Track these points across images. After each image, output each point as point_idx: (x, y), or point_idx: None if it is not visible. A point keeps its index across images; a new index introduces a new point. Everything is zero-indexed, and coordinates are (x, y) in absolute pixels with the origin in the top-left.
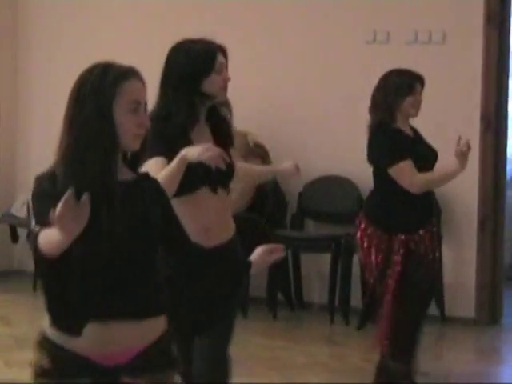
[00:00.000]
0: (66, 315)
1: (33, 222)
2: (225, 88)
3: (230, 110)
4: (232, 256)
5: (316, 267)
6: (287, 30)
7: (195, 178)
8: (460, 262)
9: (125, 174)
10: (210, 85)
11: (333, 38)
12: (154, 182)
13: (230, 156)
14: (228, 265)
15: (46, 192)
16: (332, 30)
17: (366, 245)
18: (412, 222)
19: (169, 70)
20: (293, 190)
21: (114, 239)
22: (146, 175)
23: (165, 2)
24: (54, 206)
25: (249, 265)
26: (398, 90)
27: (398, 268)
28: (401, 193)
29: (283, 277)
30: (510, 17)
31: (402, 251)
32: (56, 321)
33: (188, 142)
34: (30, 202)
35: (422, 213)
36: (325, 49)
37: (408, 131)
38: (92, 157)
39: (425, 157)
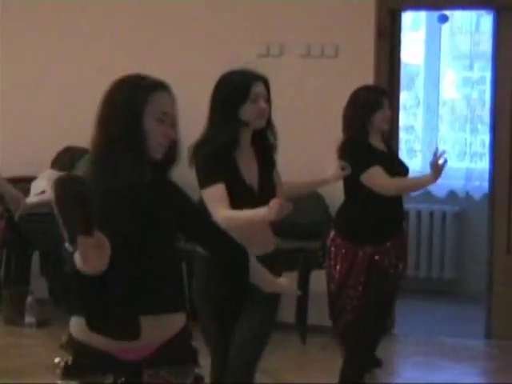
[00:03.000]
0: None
1: (65, 243)
2: (260, 116)
3: (274, 136)
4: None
5: None
6: (179, 42)
7: (240, 202)
8: None
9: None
10: (245, 112)
11: (225, 51)
12: (168, 183)
13: (271, 178)
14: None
15: (74, 200)
16: (225, 42)
17: (332, 255)
18: (379, 234)
19: (213, 98)
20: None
21: (137, 238)
22: (162, 179)
23: None
24: (85, 216)
25: None
26: (366, 105)
27: (361, 279)
28: (370, 205)
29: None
30: (400, 32)
31: (365, 264)
32: (97, 325)
33: (232, 163)
34: (58, 213)
35: (391, 225)
36: (217, 62)
37: (381, 147)
38: (123, 159)
39: (396, 173)
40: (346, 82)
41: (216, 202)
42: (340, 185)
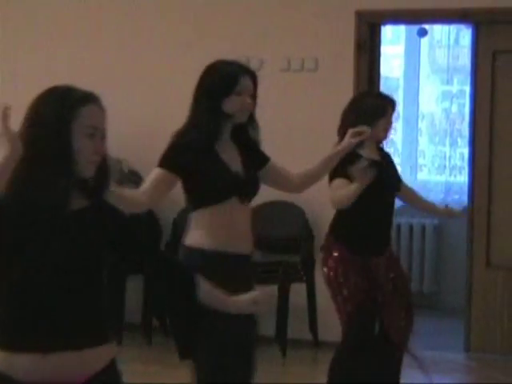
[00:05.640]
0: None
1: None
2: (243, 110)
3: (257, 131)
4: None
5: None
6: (159, 55)
7: (226, 188)
8: None
9: (78, 201)
10: (229, 105)
11: (205, 64)
12: (108, 206)
13: (255, 175)
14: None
15: None
16: (204, 56)
17: (340, 270)
18: (372, 246)
19: (198, 86)
20: (167, 217)
21: (52, 268)
22: (101, 201)
23: None
24: None
25: None
26: (371, 112)
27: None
28: (362, 213)
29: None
30: (379, 45)
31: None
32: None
33: (212, 153)
34: None
35: (382, 237)
36: (197, 75)
37: (374, 156)
38: (49, 180)
39: (381, 184)
40: (326, 96)
41: (148, 182)
42: (318, 197)
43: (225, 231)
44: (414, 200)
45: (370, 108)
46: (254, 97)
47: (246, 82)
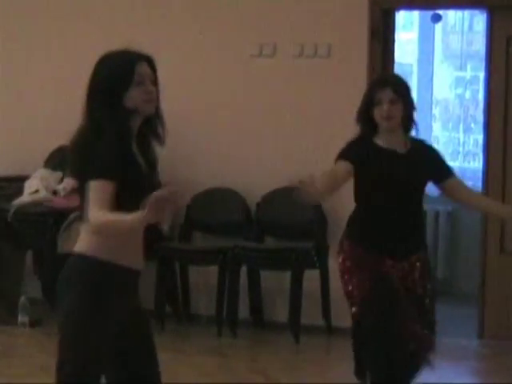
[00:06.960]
0: None
1: None
2: (148, 101)
3: (162, 126)
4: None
5: (204, 279)
6: (172, 42)
7: (142, 195)
8: None
9: None
10: (130, 99)
11: (219, 52)
12: None
13: (155, 174)
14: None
15: None
16: (218, 42)
17: (347, 266)
18: (384, 245)
19: (94, 84)
20: (180, 202)
21: None
22: None
23: None
24: None
25: None
26: (365, 103)
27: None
28: (372, 208)
29: (171, 289)
30: (393, 31)
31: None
32: None
33: (131, 154)
34: None
35: (397, 237)
36: (211, 62)
37: (393, 147)
38: None
39: (385, 175)
40: (339, 82)
41: (97, 200)
42: None
43: (135, 244)
44: (462, 197)
45: (365, 99)
46: (155, 84)
47: (143, 69)
